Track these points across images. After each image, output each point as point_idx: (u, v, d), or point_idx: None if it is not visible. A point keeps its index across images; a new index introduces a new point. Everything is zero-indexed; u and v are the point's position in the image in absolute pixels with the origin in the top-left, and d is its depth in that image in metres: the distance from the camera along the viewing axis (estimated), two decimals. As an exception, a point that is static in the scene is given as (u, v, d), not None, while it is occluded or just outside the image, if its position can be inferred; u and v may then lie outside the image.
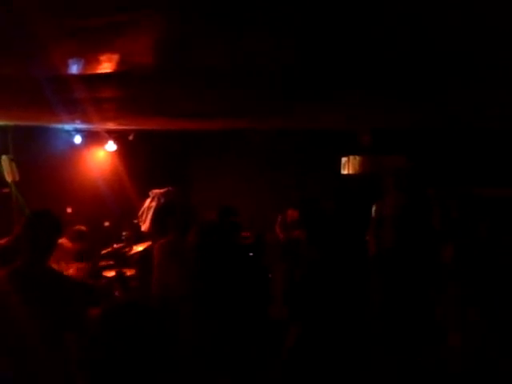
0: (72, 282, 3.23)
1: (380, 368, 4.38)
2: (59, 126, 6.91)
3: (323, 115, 5.20)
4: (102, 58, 2.12)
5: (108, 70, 2.31)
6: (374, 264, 5.73)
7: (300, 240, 4.88)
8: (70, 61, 2.20)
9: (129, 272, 6.02)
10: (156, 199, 7.57)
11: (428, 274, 4.81)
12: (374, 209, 5.97)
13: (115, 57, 2.11)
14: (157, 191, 7.65)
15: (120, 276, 5.74)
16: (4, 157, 6.19)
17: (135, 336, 2.74)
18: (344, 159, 7.10)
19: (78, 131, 7.27)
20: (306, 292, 3.60)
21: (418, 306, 4.81)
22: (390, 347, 4.81)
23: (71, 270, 5.49)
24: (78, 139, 7.28)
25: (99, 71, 2.33)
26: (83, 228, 5.60)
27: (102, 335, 2.82)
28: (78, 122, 6.09)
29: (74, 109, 4.07)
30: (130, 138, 7.82)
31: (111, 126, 7.05)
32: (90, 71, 2.35)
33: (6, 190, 6.45)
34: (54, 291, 2.90)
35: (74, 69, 2.30)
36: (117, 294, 5.54)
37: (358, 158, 6.87)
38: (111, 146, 7.71)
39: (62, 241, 5.68)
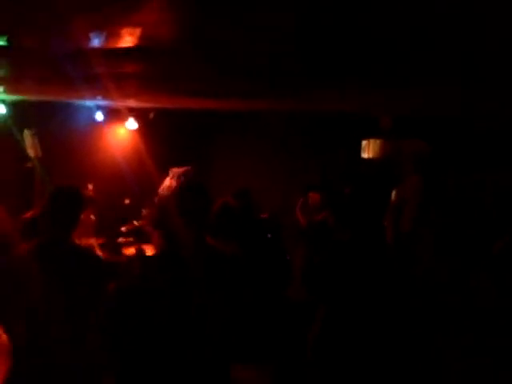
0: (96, 258, 3.26)
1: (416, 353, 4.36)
2: (81, 102, 6.95)
3: (342, 98, 5.15)
4: (124, 31, 2.12)
5: (129, 44, 2.31)
6: (391, 249, 5.70)
7: (324, 223, 4.86)
8: (92, 34, 2.20)
9: (148, 249, 6.07)
10: (176, 178, 7.59)
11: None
12: (393, 193, 5.91)
13: (137, 30, 2.11)
14: (177, 170, 7.66)
15: (139, 253, 5.80)
16: (26, 131, 6.26)
17: (148, 312, 2.77)
18: (364, 142, 7.02)
19: (99, 108, 7.31)
20: (332, 274, 3.57)
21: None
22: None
23: (91, 245, 5.58)
24: (99, 116, 7.32)
25: (120, 45, 2.33)
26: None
27: (116, 312, 2.86)
28: (99, 98, 6.12)
29: (95, 84, 4.09)
30: (151, 116, 7.84)
31: (132, 103, 7.07)
32: (111, 45, 2.36)
33: (28, 165, 6.54)
34: (78, 266, 2.94)
35: (96, 43, 2.30)
36: (136, 271, 5.60)
37: (378, 141, 6.79)
38: (132, 123, 7.74)
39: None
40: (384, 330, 3.53)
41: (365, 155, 7.05)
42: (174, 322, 2.77)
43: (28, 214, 3.95)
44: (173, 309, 2.79)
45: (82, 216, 5.41)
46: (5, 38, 2.29)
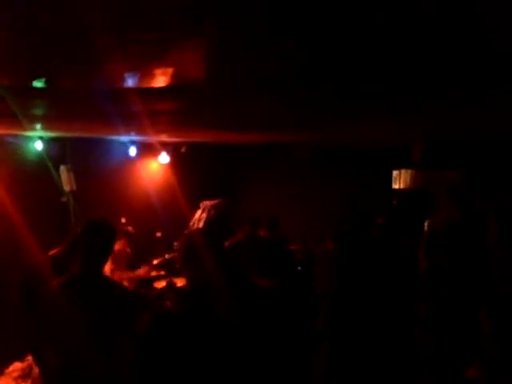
0: (126, 292, 3.30)
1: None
2: (115, 137, 7.13)
3: (374, 128, 5.16)
4: (157, 71, 2.19)
5: (162, 84, 2.38)
6: (424, 281, 5.58)
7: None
8: (126, 75, 2.29)
9: (179, 282, 6.10)
10: (207, 210, 7.67)
11: (480, 294, 4.65)
12: (426, 224, 5.82)
13: (169, 70, 2.18)
14: (208, 203, 7.75)
15: (170, 286, 5.83)
16: (62, 167, 6.43)
17: (181, 345, 2.78)
18: (395, 173, 6.99)
19: (132, 143, 7.48)
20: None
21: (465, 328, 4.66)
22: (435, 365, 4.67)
23: (124, 279, 5.64)
24: (132, 151, 7.49)
25: (154, 85, 2.40)
26: (130, 228, 5.72)
27: (150, 339, 2.88)
28: (133, 134, 6.27)
29: (129, 121, 4.20)
30: (183, 150, 7.99)
31: (164, 138, 7.22)
32: (145, 85, 2.43)
33: (63, 200, 6.68)
34: (108, 299, 2.98)
35: (130, 82, 2.38)
36: (168, 304, 5.63)
37: (409, 171, 6.75)
38: (164, 157, 7.90)
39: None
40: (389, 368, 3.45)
41: (396, 186, 7.01)
42: (204, 352, 2.78)
43: (56, 250, 4.04)
44: (202, 340, 2.80)
45: (118, 249, 5.54)
46: (43, 80, 2.39)
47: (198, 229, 6.62)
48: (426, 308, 5.37)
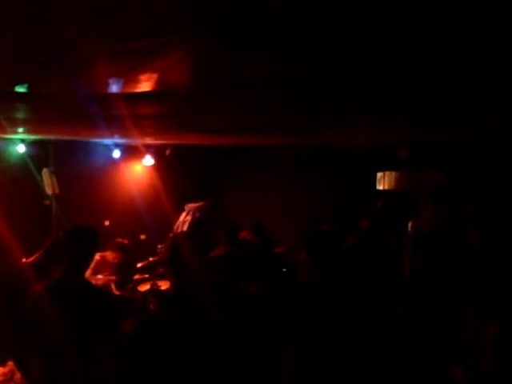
0: (108, 296, 3.29)
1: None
2: (99, 140, 7.09)
3: (357, 132, 5.19)
4: (141, 77, 2.19)
5: (146, 89, 2.38)
6: (409, 282, 5.63)
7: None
8: (111, 80, 2.28)
9: (163, 285, 6.08)
10: (191, 213, 7.65)
11: (463, 296, 4.71)
12: (410, 225, 5.86)
13: (153, 76, 2.18)
14: (192, 205, 7.74)
15: (154, 289, 5.80)
16: (45, 169, 6.37)
17: (166, 349, 2.78)
18: (379, 174, 7.04)
19: (116, 146, 7.44)
20: (301, 314, 3.48)
21: (449, 330, 4.71)
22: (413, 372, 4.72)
23: (107, 282, 5.61)
24: (116, 153, 7.45)
25: (138, 90, 2.40)
26: (125, 241, 5.71)
27: (134, 347, 2.87)
28: (117, 136, 6.24)
29: (113, 124, 4.18)
30: (167, 152, 7.96)
31: (149, 140, 7.19)
32: (129, 90, 2.43)
33: (46, 202, 6.63)
34: (91, 304, 2.97)
35: (115, 88, 2.37)
36: (151, 307, 5.61)
37: (393, 173, 6.80)
38: (148, 160, 7.87)
39: (106, 253, 5.83)
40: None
41: (380, 187, 7.05)
42: (189, 356, 2.77)
43: (36, 255, 4.02)
44: (187, 344, 2.80)
45: (112, 257, 5.51)
46: (25, 86, 2.38)
47: (182, 232, 6.60)
48: (408, 310, 5.42)
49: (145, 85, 2.29)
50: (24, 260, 4.17)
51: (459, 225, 5.45)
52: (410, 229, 5.82)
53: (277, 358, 3.57)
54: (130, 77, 2.22)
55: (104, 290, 3.83)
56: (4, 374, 5.82)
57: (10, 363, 5.71)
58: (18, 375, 5.09)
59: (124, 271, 5.85)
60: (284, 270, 6.26)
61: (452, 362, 4.43)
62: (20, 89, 2.40)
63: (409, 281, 5.59)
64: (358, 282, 3.76)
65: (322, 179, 7.85)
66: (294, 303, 3.59)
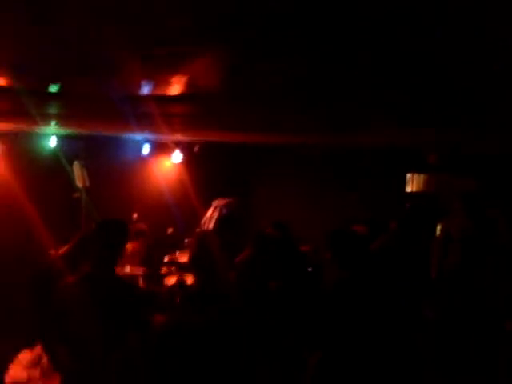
0: (136, 290, 3.34)
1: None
2: (129, 136, 7.17)
3: (389, 134, 5.14)
4: (172, 80, 2.21)
5: (177, 92, 2.40)
6: (436, 286, 5.57)
7: None
8: (142, 81, 2.31)
9: (189, 279, 6.12)
10: (218, 209, 7.69)
11: (495, 301, 4.63)
12: (439, 228, 5.79)
13: (183, 79, 2.20)
14: (219, 202, 7.77)
15: (180, 283, 5.86)
16: (76, 163, 6.48)
17: (192, 346, 2.80)
18: (408, 176, 6.96)
19: (146, 141, 7.51)
20: (328, 316, 3.45)
21: (480, 332, 4.64)
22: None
23: (134, 275, 5.69)
24: (146, 149, 7.52)
25: (169, 92, 2.42)
26: (143, 226, 5.76)
27: (162, 344, 2.91)
28: (146, 133, 6.30)
29: (144, 121, 4.23)
30: (196, 149, 8.01)
31: (178, 137, 7.24)
32: (160, 92, 2.45)
33: (76, 195, 6.74)
34: (120, 297, 3.02)
35: (146, 89, 2.40)
36: (177, 301, 5.66)
37: (422, 175, 6.72)
38: (177, 156, 7.92)
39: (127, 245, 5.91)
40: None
41: (408, 189, 6.98)
42: (213, 352, 2.80)
43: (66, 247, 4.09)
44: (212, 341, 2.82)
45: (132, 247, 5.56)
46: (57, 86, 2.42)
47: (211, 229, 6.65)
48: (438, 313, 5.37)
49: (175, 87, 2.31)
50: (54, 251, 4.25)
51: (490, 229, 5.37)
52: (439, 232, 5.75)
53: (297, 358, 3.58)
54: (161, 79, 2.24)
55: (132, 283, 3.88)
56: (32, 358, 5.97)
57: (38, 348, 5.85)
58: (45, 360, 5.22)
59: (150, 263, 5.91)
60: (309, 269, 6.23)
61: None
62: (53, 88, 2.44)
63: (436, 283, 5.54)
64: (383, 284, 3.74)
65: (351, 180, 7.78)
66: (318, 303, 3.59)
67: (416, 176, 6.79)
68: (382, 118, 3.81)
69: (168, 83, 2.25)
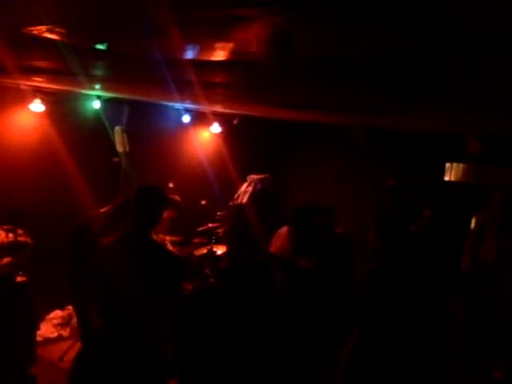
0: (170, 255, 3.39)
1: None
2: (170, 104, 7.23)
3: (430, 119, 5.03)
4: (216, 45, 2.20)
5: (221, 58, 2.39)
6: (467, 277, 5.49)
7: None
8: (187, 46, 2.31)
9: (219, 250, 6.19)
10: (253, 184, 7.70)
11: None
12: (474, 219, 5.68)
13: (228, 45, 2.19)
14: (254, 177, 7.77)
15: (210, 254, 5.93)
16: (117, 128, 6.56)
17: (219, 317, 2.85)
18: (448, 165, 6.82)
19: (186, 111, 7.55)
20: (371, 295, 3.46)
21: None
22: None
23: (162, 240, 5.77)
24: (186, 118, 7.57)
25: (213, 58, 2.42)
26: (177, 198, 5.82)
27: (191, 314, 2.96)
28: (187, 102, 6.33)
29: (185, 90, 4.25)
30: (235, 122, 8.01)
31: (218, 108, 7.26)
32: (203, 57, 2.46)
33: (116, 160, 6.84)
34: (155, 260, 3.08)
35: (189, 54, 2.41)
36: (207, 271, 5.74)
37: (461, 165, 6.57)
38: (216, 127, 7.95)
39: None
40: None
41: (447, 178, 6.85)
42: (241, 325, 2.84)
43: (106, 208, 4.16)
44: (240, 313, 2.86)
45: (165, 215, 5.63)
46: (105, 45, 2.45)
47: (250, 204, 6.66)
48: (465, 305, 5.30)
49: (219, 53, 2.31)
50: (93, 211, 4.33)
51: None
52: (474, 223, 5.65)
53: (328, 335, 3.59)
54: (205, 44, 2.24)
55: (167, 250, 3.96)
56: (62, 317, 6.18)
57: (69, 308, 6.04)
58: (74, 320, 5.38)
59: (180, 231, 5.97)
60: (338, 250, 6.21)
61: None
62: (100, 46, 2.47)
63: (469, 274, 5.46)
64: (424, 267, 3.75)
65: (390, 162, 7.66)
66: (361, 285, 3.61)
67: (455, 165, 6.63)
68: (434, 100, 3.72)
69: (212, 49, 2.26)
